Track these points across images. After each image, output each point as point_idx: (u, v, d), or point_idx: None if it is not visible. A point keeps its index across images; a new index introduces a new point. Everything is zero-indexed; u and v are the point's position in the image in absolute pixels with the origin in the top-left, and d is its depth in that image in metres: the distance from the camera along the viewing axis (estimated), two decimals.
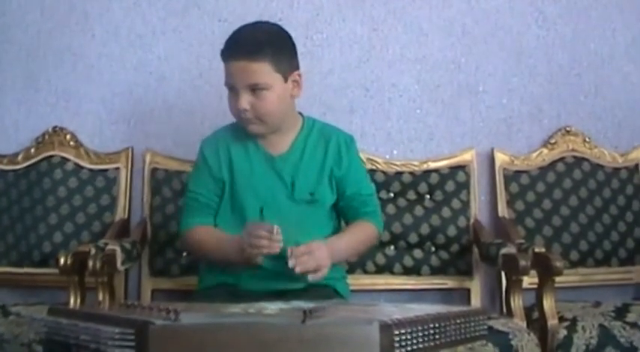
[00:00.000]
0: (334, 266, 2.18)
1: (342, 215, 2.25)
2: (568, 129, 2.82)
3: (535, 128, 2.84)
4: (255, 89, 2.06)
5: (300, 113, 2.26)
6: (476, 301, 2.63)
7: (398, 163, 2.73)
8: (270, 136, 2.18)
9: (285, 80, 2.11)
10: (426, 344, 1.49)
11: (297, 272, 1.95)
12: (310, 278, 1.97)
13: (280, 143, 2.19)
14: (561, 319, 2.24)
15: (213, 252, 2.14)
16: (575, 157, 2.79)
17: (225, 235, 2.13)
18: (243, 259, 2.01)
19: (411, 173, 2.71)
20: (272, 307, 1.69)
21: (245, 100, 2.07)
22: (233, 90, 2.09)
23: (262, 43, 2.06)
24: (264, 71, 2.05)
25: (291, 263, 1.95)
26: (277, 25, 2.19)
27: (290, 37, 2.16)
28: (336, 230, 2.23)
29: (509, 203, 2.72)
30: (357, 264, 2.60)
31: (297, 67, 2.15)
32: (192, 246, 2.23)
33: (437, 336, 1.52)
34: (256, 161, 2.18)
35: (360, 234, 2.21)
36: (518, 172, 2.76)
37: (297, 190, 2.15)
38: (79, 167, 2.72)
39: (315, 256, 1.98)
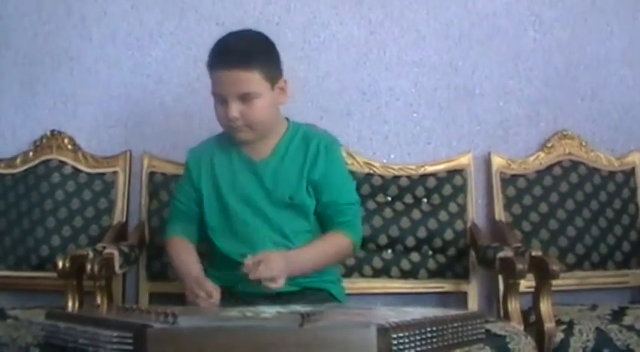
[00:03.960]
0: (328, 269, 2.20)
1: (320, 222, 2.21)
2: (564, 132, 2.83)
3: (532, 131, 2.85)
4: (245, 98, 2.07)
5: (287, 118, 2.26)
6: (473, 304, 2.63)
7: (395, 167, 2.73)
8: (254, 142, 2.18)
9: (272, 88, 2.12)
10: (424, 348, 1.50)
11: (250, 278, 1.94)
12: (264, 285, 1.94)
13: (263, 148, 2.19)
14: (558, 322, 2.24)
15: (177, 273, 2.22)
16: (571, 161, 2.79)
17: (190, 266, 2.15)
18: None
19: (408, 177, 2.71)
20: (269, 310, 1.70)
21: (235, 109, 2.08)
22: (222, 99, 2.11)
23: (252, 52, 2.08)
24: (254, 80, 2.07)
25: (244, 269, 1.93)
26: (262, 33, 2.19)
27: (274, 45, 2.17)
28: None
29: (506, 206, 2.72)
30: (354, 268, 2.61)
31: (281, 75, 2.16)
32: (168, 255, 2.30)
33: (434, 340, 1.53)
34: (239, 167, 2.19)
35: (328, 246, 2.16)
36: (515, 176, 2.76)
37: (277, 194, 2.16)
38: (76, 170, 2.72)
39: (269, 266, 1.94)
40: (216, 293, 1.98)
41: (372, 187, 2.67)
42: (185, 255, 2.19)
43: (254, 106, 2.08)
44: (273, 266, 1.95)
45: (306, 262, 2.10)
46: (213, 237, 2.19)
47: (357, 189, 2.48)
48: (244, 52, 2.08)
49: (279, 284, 1.96)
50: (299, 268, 2.06)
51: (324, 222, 2.20)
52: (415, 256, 2.66)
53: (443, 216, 2.67)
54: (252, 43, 2.13)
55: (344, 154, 2.53)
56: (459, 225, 2.67)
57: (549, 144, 2.81)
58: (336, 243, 2.17)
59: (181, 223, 2.24)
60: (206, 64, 2.15)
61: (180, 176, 2.34)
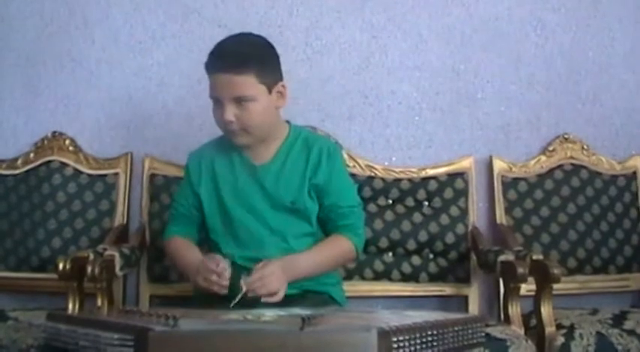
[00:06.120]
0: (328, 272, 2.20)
1: (322, 226, 2.22)
2: (566, 136, 2.83)
3: (533, 135, 2.85)
4: (240, 101, 2.07)
5: (289, 122, 2.26)
6: (474, 308, 2.63)
7: (396, 170, 2.73)
8: (254, 146, 2.18)
9: (270, 91, 2.11)
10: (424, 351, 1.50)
11: (249, 296, 1.93)
12: (263, 300, 1.94)
13: (264, 153, 2.19)
14: (559, 326, 2.24)
15: (181, 269, 2.24)
16: (573, 165, 2.79)
17: (193, 255, 2.15)
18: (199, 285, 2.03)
19: (410, 180, 2.71)
20: (270, 314, 1.70)
21: (230, 112, 2.07)
22: (218, 102, 2.10)
23: (247, 56, 2.07)
24: (249, 83, 2.06)
25: (243, 288, 1.93)
26: (261, 37, 2.18)
27: (274, 49, 2.16)
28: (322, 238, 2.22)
29: (508, 210, 2.72)
30: (355, 271, 2.61)
31: (280, 78, 2.15)
32: (168, 255, 2.33)
33: (435, 343, 1.53)
34: (240, 171, 2.19)
35: (330, 250, 2.17)
36: (517, 179, 2.76)
37: (278, 199, 2.15)
38: (78, 172, 2.72)
39: (266, 282, 1.95)
40: (226, 268, 1.96)
41: (374, 190, 2.67)
42: (185, 249, 2.19)
43: (249, 110, 2.07)
44: (269, 281, 1.96)
45: (307, 267, 2.10)
46: (215, 239, 2.19)
47: (359, 191, 2.49)
48: (239, 55, 2.07)
49: (279, 297, 1.97)
50: (300, 273, 2.07)
51: (326, 226, 2.20)
52: (416, 259, 2.66)
53: (444, 219, 2.67)
54: (249, 46, 2.12)
55: (345, 157, 2.54)
56: (460, 228, 2.67)
57: (551, 148, 2.81)
58: (338, 246, 2.17)
59: (181, 225, 2.25)
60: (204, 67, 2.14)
61: (181, 179, 2.35)
